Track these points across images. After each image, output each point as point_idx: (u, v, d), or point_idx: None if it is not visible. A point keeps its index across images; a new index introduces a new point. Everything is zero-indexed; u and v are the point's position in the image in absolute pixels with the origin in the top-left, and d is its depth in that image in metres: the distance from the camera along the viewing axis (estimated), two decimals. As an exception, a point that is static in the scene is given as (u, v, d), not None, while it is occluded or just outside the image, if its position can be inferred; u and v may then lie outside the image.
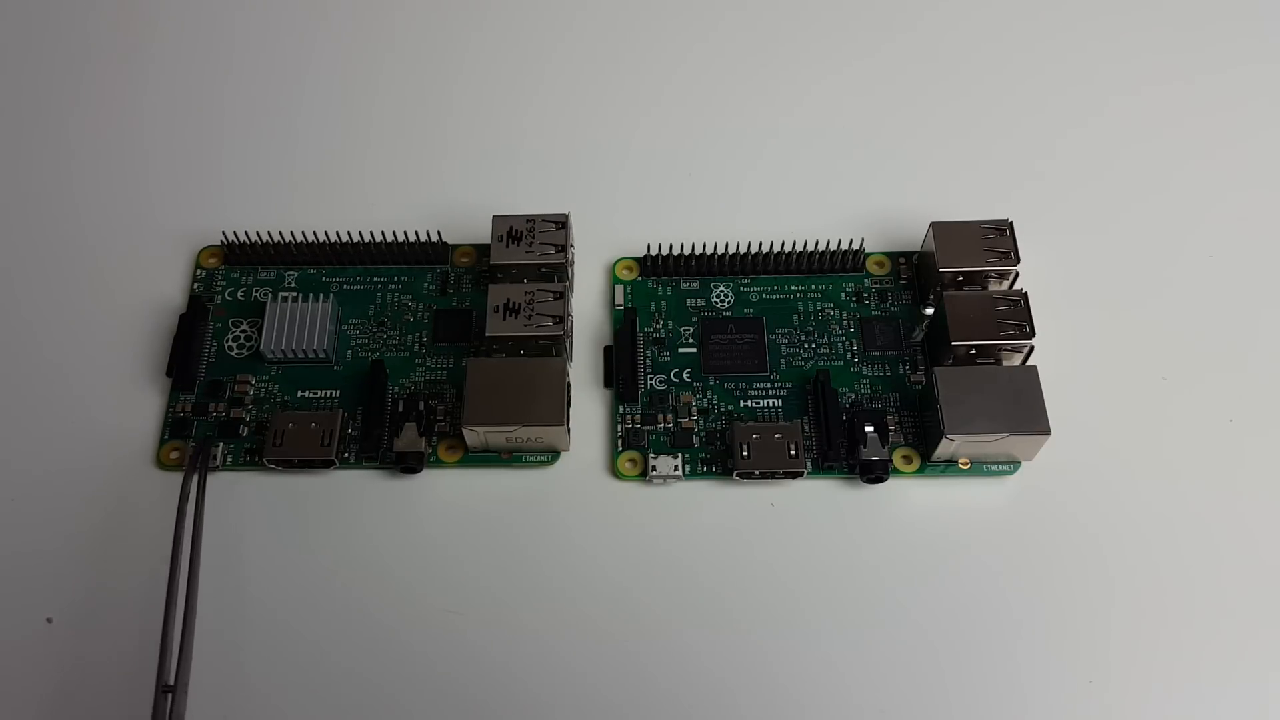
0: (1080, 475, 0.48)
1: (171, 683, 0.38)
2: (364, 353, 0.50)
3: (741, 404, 0.49)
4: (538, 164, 0.56)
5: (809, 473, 0.47)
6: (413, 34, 0.61)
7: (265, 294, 0.52)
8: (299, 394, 0.49)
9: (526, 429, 0.46)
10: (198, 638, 0.43)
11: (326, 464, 0.47)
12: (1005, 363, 0.48)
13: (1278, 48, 0.60)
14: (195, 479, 0.45)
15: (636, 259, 0.53)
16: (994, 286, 0.50)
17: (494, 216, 0.50)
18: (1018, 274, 0.49)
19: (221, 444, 0.48)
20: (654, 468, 0.47)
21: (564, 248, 0.49)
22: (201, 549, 0.44)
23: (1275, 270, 0.53)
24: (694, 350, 0.50)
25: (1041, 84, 0.59)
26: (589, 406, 0.50)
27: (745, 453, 0.46)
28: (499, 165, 0.56)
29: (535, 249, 0.49)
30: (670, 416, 0.49)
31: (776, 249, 0.51)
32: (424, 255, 0.52)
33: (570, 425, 0.48)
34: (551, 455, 0.48)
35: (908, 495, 0.48)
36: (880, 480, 0.47)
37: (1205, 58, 0.60)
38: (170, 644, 0.40)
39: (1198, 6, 0.61)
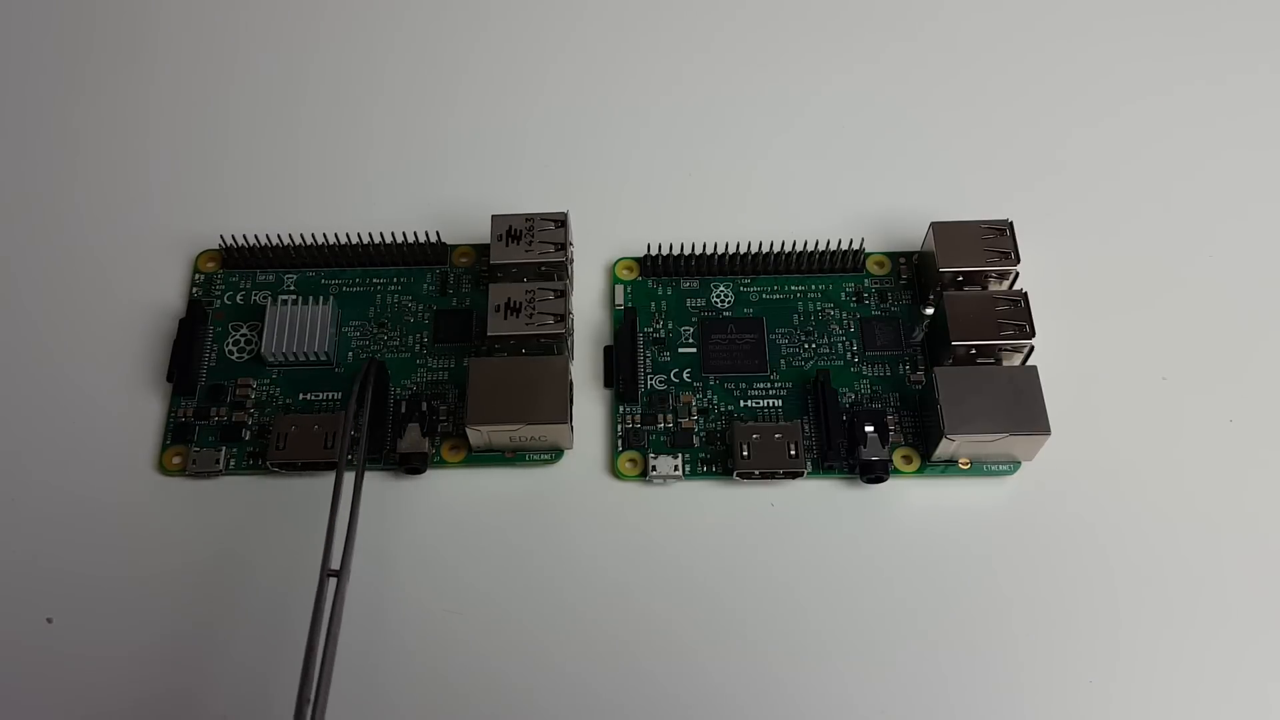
0: (1080, 475, 0.48)
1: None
2: (365, 354, 0.50)
3: (741, 404, 0.49)
4: (538, 164, 0.56)
5: (809, 473, 0.47)
6: (411, 34, 0.61)
7: (265, 297, 0.51)
8: (300, 396, 0.49)
9: (530, 427, 0.46)
10: (211, 639, 0.44)
11: (330, 466, 0.47)
12: (1005, 363, 0.48)
13: (1278, 54, 0.60)
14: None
15: (636, 259, 0.53)
16: (994, 286, 0.50)
17: (493, 216, 0.50)
18: (1018, 274, 0.49)
19: (224, 449, 0.48)
20: (654, 468, 0.48)
21: (563, 246, 0.49)
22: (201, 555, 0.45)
23: (1275, 270, 0.53)
24: (694, 350, 0.50)
25: (1041, 84, 0.59)
26: (589, 406, 0.50)
27: (745, 453, 0.47)
28: (499, 165, 0.56)
29: (535, 248, 0.49)
30: (670, 416, 0.49)
31: (777, 249, 0.51)
32: (423, 256, 0.52)
33: (573, 423, 0.48)
34: (555, 453, 0.48)
35: (908, 495, 0.48)
36: (880, 480, 0.47)
37: (1205, 61, 0.60)
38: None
39: (1199, 13, 0.61)
